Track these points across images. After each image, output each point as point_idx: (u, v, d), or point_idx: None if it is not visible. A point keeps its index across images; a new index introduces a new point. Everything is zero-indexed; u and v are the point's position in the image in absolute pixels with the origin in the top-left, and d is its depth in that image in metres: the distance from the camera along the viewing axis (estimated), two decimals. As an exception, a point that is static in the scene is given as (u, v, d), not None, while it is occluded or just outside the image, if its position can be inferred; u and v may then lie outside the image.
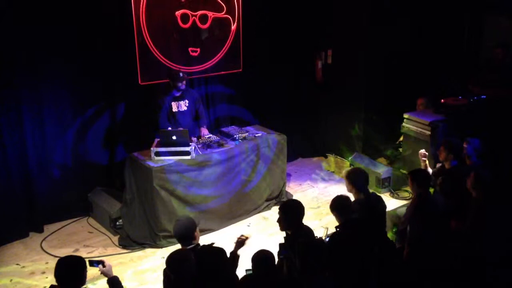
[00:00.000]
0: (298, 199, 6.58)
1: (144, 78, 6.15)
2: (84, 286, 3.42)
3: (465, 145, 5.12)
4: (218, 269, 3.54)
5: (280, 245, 3.86)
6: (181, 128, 5.84)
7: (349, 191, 4.56)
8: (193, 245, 3.81)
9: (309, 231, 4.12)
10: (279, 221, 4.04)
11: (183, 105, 6.02)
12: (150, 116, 6.08)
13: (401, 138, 6.84)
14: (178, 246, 5.46)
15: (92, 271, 4.74)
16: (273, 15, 7.10)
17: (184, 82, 5.89)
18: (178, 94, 5.94)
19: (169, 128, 5.82)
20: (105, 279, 3.62)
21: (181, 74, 5.87)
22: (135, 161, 5.65)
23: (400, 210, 5.39)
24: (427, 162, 5.29)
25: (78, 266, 3.32)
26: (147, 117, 6.18)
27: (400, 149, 6.85)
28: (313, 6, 7.37)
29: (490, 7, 7.11)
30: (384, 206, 4.57)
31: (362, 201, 4.41)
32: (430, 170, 5.23)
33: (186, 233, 3.84)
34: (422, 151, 5.34)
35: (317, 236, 4.19)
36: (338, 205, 4.14)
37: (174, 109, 5.98)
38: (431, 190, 4.87)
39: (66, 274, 3.27)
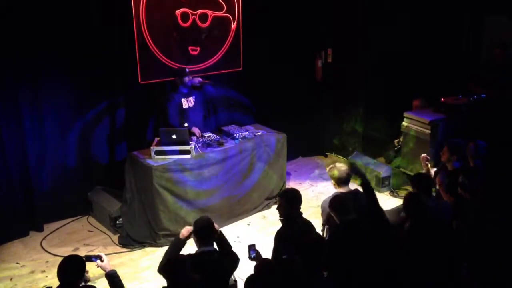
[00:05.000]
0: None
1: (144, 77, 6.14)
2: (84, 285, 3.44)
3: (471, 146, 5.11)
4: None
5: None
6: (186, 125, 5.89)
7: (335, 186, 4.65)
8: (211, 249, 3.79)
9: (307, 224, 4.18)
10: (278, 208, 4.16)
11: (192, 101, 6.07)
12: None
13: (400, 139, 6.82)
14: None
15: (92, 270, 4.76)
16: (273, 15, 7.09)
17: (192, 78, 5.99)
18: (186, 91, 5.98)
19: (186, 125, 5.89)
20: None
21: (186, 70, 6.02)
22: (135, 160, 5.65)
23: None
24: (429, 165, 5.28)
25: (80, 266, 3.38)
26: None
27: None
28: (313, 5, 7.37)
29: (490, 7, 7.10)
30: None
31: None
32: (432, 172, 5.23)
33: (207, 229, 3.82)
34: (424, 155, 5.33)
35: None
36: (335, 205, 4.15)
37: (185, 105, 6.01)
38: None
39: (69, 274, 3.32)
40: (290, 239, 3.85)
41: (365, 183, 4.19)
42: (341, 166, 4.62)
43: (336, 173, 4.54)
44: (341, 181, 4.56)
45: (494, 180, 4.69)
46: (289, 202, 4.13)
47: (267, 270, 3.44)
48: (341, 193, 4.52)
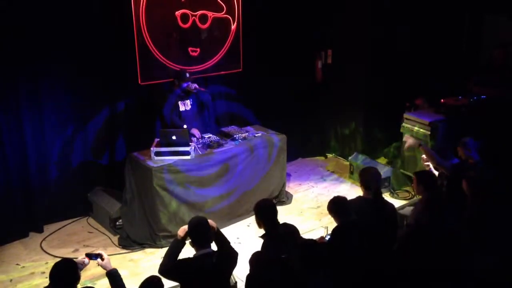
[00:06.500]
0: (298, 199, 6.66)
1: (144, 78, 6.15)
2: (84, 286, 3.44)
3: (465, 142, 5.10)
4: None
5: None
6: (185, 126, 5.87)
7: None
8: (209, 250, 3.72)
9: (290, 232, 4.12)
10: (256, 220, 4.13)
11: (188, 104, 6.06)
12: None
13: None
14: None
15: (92, 271, 4.77)
16: (273, 15, 7.09)
17: (190, 84, 5.90)
18: (182, 94, 5.97)
19: (185, 126, 5.86)
20: (105, 278, 3.62)
21: (187, 74, 5.93)
22: (135, 161, 5.65)
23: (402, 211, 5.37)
24: (431, 166, 5.29)
25: (70, 270, 3.36)
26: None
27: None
28: (313, 6, 7.37)
29: (490, 6, 7.10)
30: (391, 212, 4.55)
31: (369, 201, 4.44)
32: (436, 173, 5.23)
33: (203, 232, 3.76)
34: (424, 156, 5.33)
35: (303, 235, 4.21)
36: (335, 207, 4.14)
37: (181, 108, 6.01)
38: None
39: (61, 279, 3.31)
40: (273, 254, 3.80)
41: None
42: (374, 169, 4.65)
43: (366, 176, 4.53)
44: (367, 185, 4.51)
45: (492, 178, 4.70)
46: (262, 214, 4.07)
47: (264, 268, 3.42)
48: (361, 197, 4.54)
